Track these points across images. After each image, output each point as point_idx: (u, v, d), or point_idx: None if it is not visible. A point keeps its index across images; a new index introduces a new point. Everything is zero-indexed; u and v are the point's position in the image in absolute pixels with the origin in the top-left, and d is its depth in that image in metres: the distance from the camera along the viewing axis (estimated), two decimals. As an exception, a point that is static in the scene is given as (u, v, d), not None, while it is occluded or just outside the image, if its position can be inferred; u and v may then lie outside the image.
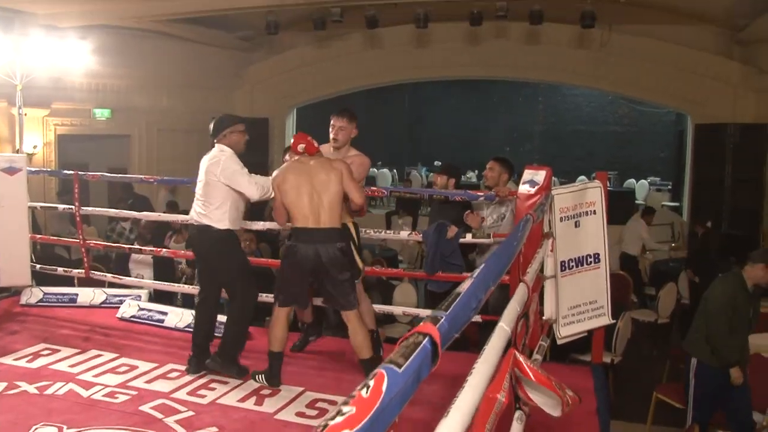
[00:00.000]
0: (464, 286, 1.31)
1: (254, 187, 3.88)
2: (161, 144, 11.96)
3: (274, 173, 3.89)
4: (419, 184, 15.47)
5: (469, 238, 4.51)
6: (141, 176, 5.16)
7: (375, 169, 16.57)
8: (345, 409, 0.78)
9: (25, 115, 7.95)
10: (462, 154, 17.09)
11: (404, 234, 5.69)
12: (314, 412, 3.49)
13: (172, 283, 5.33)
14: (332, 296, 3.79)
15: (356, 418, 0.77)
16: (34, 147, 9.78)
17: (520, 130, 17.75)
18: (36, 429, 3.25)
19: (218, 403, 3.59)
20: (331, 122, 4.15)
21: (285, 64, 13.31)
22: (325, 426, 0.73)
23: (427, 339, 0.99)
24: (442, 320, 1.06)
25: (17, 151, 7.81)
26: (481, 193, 4.57)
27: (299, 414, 3.48)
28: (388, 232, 5.43)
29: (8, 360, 4.19)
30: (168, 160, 11.40)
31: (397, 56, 12.73)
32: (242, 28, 12.12)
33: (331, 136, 4.20)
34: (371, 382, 0.84)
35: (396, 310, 4.58)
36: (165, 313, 4.86)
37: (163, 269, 5.72)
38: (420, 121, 18.29)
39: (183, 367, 4.04)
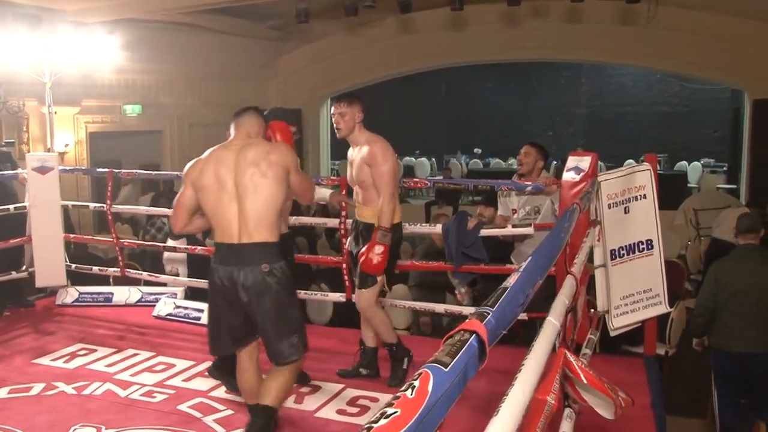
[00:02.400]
0: (511, 281, 1.28)
1: None
2: (193, 139, 12.09)
3: (191, 162, 3.19)
4: (459, 172, 15.38)
5: (493, 230, 4.47)
6: (176, 173, 5.19)
7: (413, 159, 16.53)
8: (389, 411, 0.76)
9: (56, 113, 8.11)
10: (501, 140, 16.94)
11: (438, 227, 5.61)
12: (355, 410, 3.49)
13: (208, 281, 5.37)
14: (265, 339, 3.01)
15: (401, 420, 0.74)
16: (66, 145, 9.98)
17: (562, 114, 17.50)
18: (75, 430, 3.32)
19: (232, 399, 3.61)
20: (331, 111, 3.87)
21: (317, 53, 13.33)
22: (369, 429, 0.70)
23: (473, 337, 0.96)
24: (489, 317, 1.03)
25: (48, 150, 7.97)
26: (529, 183, 4.46)
27: (340, 411, 3.49)
28: (424, 224, 5.37)
29: (45, 360, 4.29)
30: (200, 155, 11.53)
31: (432, 41, 12.63)
32: (273, 18, 12.15)
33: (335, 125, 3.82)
34: (416, 383, 0.81)
35: (437, 308, 4.53)
36: (201, 311, 4.91)
37: (198, 266, 5.77)
38: (457, 107, 18.16)
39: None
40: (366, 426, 0.73)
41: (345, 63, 13.23)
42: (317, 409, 3.53)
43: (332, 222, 5.33)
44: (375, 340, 3.96)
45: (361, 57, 13.15)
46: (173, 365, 4.17)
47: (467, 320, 1.03)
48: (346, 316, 4.81)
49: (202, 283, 5.31)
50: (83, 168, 8.80)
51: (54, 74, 7.10)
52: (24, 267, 5.45)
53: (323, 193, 4.43)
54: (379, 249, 3.52)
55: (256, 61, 12.89)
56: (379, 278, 3.66)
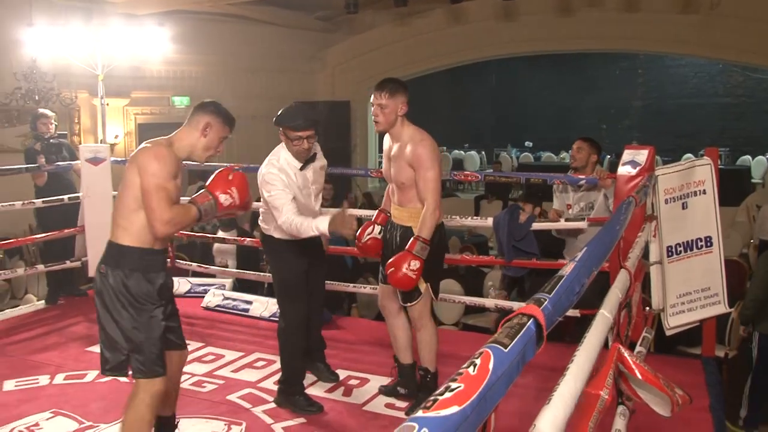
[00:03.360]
0: (566, 270, 1.31)
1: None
2: (240, 130, 12.19)
3: None
4: (509, 166, 15.30)
5: (545, 224, 4.46)
6: (224, 164, 5.33)
7: (462, 152, 16.51)
8: (453, 385, 0.81)
9: (107, 105, 8.36)
10: (553, 133, 16.79)
11: (489, 220, 5.61)
12: (404, 404, 3.54)
13: (257, 272, 5.50)
14: None
15: (465, 394, 0.79)
16: (116, 137, 10.28)
17: (617, 106, 17.24)
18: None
19: (305, 394, 3.70)
20: (371, 100, 3.36)
21: (365, 44, 13.42)
22: (435, 401, 0.75)
23: (531, 321, 1.00)
24: (546, 303, 1.07)
25: (100, 141, 8.22)
26: (583, 177, 4.45)
27: (388, 405, 3.55)
28: (475, 218, 5.39)
29: (97, 348, 4.44)
30: (247, 147, 11.73)
31: (482, 31, 12.60)
32: (320, 8, 12.30)
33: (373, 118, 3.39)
34: (478, 361, 0.86)
35: (488, 303, 4.55)
36: (250, 303, 5.04)
37: (247, 258, 5.91)
38: (508, 100, 18.06)
39: (269, 357, 4.19)
40: (432, 398, 0.78)
41: (393, 54, 13.29)
42: (365, 402, 3.60)
43: (366, 213, 5.38)
44: (411, 355, 3.61)
45: (410, 48, 13.19)
46: (222, 356, 4.29)
47: (525, 305, 1.07)
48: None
49: (250, 275, 5.46)
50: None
51: (106, 66, 7.33)
52: (77, 256, 5.66)
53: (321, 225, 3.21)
54: (414, 264, 3.13)
55: (303, 53, 13.05)
56: (423, 287, 3.31)
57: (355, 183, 12.50)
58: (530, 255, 4.33)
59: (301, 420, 3.40)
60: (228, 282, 5.58)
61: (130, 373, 2.76)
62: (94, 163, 5.52)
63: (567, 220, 4.59)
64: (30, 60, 8.40)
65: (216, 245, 5.86)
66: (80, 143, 8.27)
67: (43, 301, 5.61)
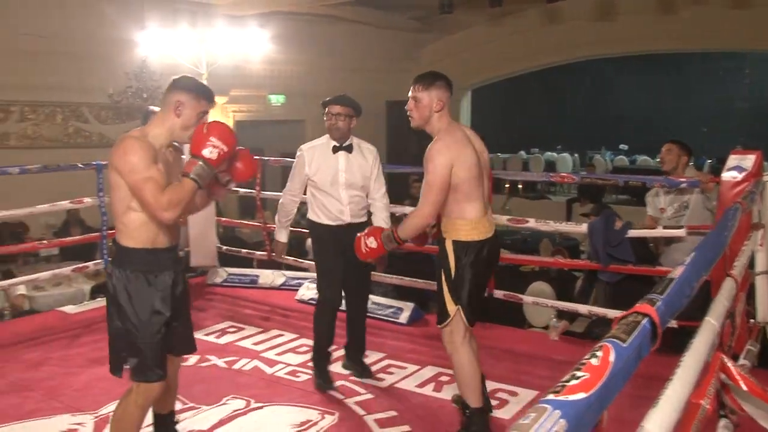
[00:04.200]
0: (677, 272, 1.32)
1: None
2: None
3: None
4: (603, 169, 14.94)
5: (642, 231, 4.37)
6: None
7: (554, 154, 16.25)
8: (578, 373, 0.84)
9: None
10: (650, 135, 16.24)
11: (583, 226, 5.51)
12: (494, 402, 3.55)
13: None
14: None
15: (590, 382, 0.83)
16: (216, 133, 10.67)
17: (721, 108, 16.53)
18: (227, 400, 3.62)
19: (397, 387, 3.78)
20: (410, 93, 3.06)
21: (459, 44, 13.42)
22: (563, 387, 0.79)
23: (646, 319, 1.02)
24: (659, 303, 1.09)
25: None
26: (684, 179, 4.35)
27: (479, 404, 3.57)
28: (569, 223, 5.33)
29: (199, 335, 4.66)
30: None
31: (578, 31, 12.37)
32: (414, 9, 12.38)
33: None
34: (599, 353, 0.89)
35: (581, 309, 4.49)
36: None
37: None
38: (603, 101, 17.63)
39: (360, 351, 4.28)
40: (560, 383, 0.82)
41: (487, 54, 13.24)
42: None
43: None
44: (479, 398, 3.15)
45: (504, 48, 13.11)
46: (335, 348, 4.41)
47: (638, 304, 1.09)
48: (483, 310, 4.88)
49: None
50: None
51: (209, 66, 7.65)
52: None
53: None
54: (372, 243, 3.06)
55: (396, 53, 13.17)
56: (452, 309, 2.99)
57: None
58: (626, 262, 4.27)
59: (393, 413, 3.47)
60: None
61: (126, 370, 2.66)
62: (198, 157, 5.78)
63: (663, 226, 4.50)
64: (140, 60, 8.86)
65: (309, 240, 6.01)
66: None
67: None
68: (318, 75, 12.02)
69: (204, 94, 2.64)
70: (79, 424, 3.35)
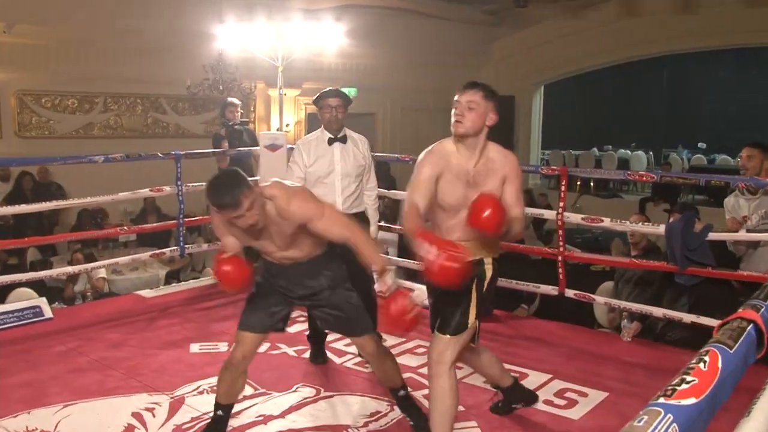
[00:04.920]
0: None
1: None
2: (404, 123, 12.59)
3: None
4: (679, 167, 14.49)
5: (724, 234, 4.21)
6: (397, 155, 5.51)
7: (628, 152, 15.85)
8: (688, 378, 0.82)
9: (285, 95, 8.84)
10: (731, 134, 15.67)
11: (661, 227, 5.35)
12: (562, 402, 3.51)
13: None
14: None
15: (700, 388, 0.80)
16: (287, 125, 10.84)
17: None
18: (297, 388, 3.68)
19: (465, 383, 3.75)
20: (459, 97, 2.77)
21: (532, 38, 13.21)
22: (674, 391, 0.77)
23: (751, 325, 0.99)
24: (763, 309, 1.05)
25: (278, 129, 8.71)
26: (769, 181, 4.14)
27: (547, 402, 3.52)
28: (646, 223, 5.16)
29: (269, 323, 4.77)
30: (411, 139, 11.97)
31: (658, 25, 12.00)
32: (488, 2, 12.26)
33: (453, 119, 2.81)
34: (706, 358, 0.87)
35: (655, 311, 4.36)
36: (411, 290, 5.13)
37: (408, 247, 6.05)
38: (681, 97, 17.07)
39: (427, 344, 4.27)
40: (670, 387, 0.80)
41: (561, 49, 13.00)
42: (524, 397, 3.59)
43: (532, 211, 5.34)
44: (508, 377, 3.28)
45: (579, 43, 12.84)
46: (384, 340, 4.42)
47: (741, 309, 1.05)
48: (552, 309, 4.82)
49: (412, 264, 5.58)
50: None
51: (285, 59, 7.77)
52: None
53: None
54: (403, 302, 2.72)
55: (468, 47, 13.08)
56: (472, 322, 2.78)
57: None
58: (704, 266, 4.12)
59: (460, 408, 3.44)
60: (391, 270, 5.73)
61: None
62: (272, 149, 5.87)
63: (747, 230, 4.32)
64: (217, 53, 9.07)
65: (379, 233, 6.03)
66: (254, 131, 8.82)
67: (220, 276, 6.05)
68: (389, 69, 12.05)
69: (211, 202, 2.64)
70: (155, 403, 3.46)
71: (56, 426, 3.19)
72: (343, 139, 3.94)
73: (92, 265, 5.68)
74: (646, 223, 4.86)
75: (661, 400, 0.75)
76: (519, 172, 2.84)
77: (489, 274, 2.83)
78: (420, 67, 12.48)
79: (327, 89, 4.02)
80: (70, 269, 5.60)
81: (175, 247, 5.68)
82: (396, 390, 3.16)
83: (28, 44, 9.10)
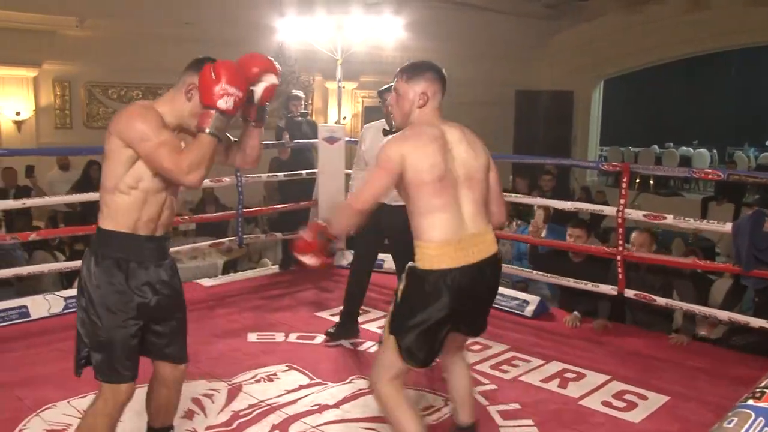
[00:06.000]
0: None
1: None
2: (460, 116, 12.37)
3: None
4: (745, 166, 14.04)
5: None
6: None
7: (690, 149, 15.43)
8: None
9: (343, 88, 8.88)
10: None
11: (727, 225, 5.20)
12: (622, 404, 3.44)
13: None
14: None
15: None
16: (344, 118, 10.89)
17: None
18: (352, 379, 3.71)
19: (521, 380, 3.74)
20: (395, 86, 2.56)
21: (592, 32, 12.97)
22: (762, 393, 0.76)
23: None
24: None
25: (337, 122, 8.77)
26: None
27: (605, 403, 3.47)
28: (709, 221, 5.03)
29: (325, 315, 4.82)
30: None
31: (726, 18, 11.62)
32: (549, -4, 12.08)
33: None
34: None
35: (720, 314, 4.23)
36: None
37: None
38: (749, 93, 16.50)
39: (485, 341, 4.26)
40: (758, 389, 0.78)
41: (622, 43, 12.72)
42: (581, 397, 3.54)
43: (592, 208, 5.25)
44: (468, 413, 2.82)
45: (641, 37, 12.53)
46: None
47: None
48: (614, 310, 4.72)
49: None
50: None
51: (344, 52, 7.81)
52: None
53: None
54: (307, 236, 2.43)
55: (526, 41, 12.91)
56: (386, 336, 2.47)
57: (573, 175, 12.19)
58: (774, 267, 3.99)
59: (516, 405, 3.43)
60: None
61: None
62: (331, 142, 5.92)
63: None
64: (276, 46, 9.17)
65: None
66: (315, 123, 8.89)
67: (277, 266, 6.15)
68: (446, 62, 11.76)
69: None
70: (214, 390, 3.53)
71: (120, 408, 3.29)
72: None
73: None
74: (711, 221, 4.72)
75: (750, 402, 0.73)
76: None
77: (401, 284, 2.45)
78: (476, 61, 12.37)
79: (389, 84, 4.03)
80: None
81: (234, 237, 5.79)
82: None
83: (97, 37, 9.38)
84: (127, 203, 2.27)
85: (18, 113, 9.29)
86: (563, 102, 12.78)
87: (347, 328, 4.32)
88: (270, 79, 2.37)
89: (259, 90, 2.38)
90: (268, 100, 2.41)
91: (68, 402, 3.33)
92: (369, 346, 4.25)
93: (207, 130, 2.19)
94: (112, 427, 2.40)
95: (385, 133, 4.06)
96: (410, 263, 2.44)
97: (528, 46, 13.06)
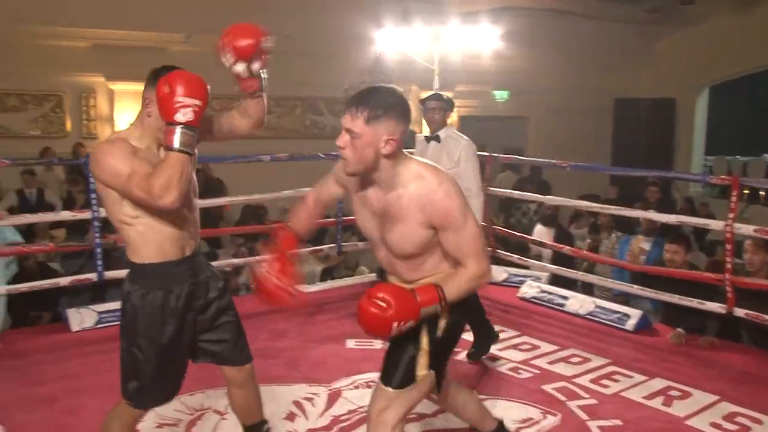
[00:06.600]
0: None
1: None
2: (557, 126, 12.32)
3: None
4: None
5: None
6: (554, 160, 5.43)
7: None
8: None
9: (441, 97, 8.92)
10: None
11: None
12: (734, 427, 3.31)
13: (572, 270, 5.52)
14: None
15: None
16: (439, 127, 10.92)
17: None
18: (450, 389, 3.72)
19: (622, 396, 3.65)
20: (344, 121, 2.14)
21: (698, 37, 12.48)
22: None
23: None
24: None
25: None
26: None
27: (715, 425, 3.33)
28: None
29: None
30: (563, 143, 11.70)
31: None
32: (651, 0, 11.72)
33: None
34: None
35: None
36: (566, 298, 5.07)
37: (562, 255, 5.94)
38: None
39: (585, 354, 4.20)
40: None
41: (730, 48, 12.16)
42: (687, 416, 3.42)
43: (697, 222, 5.05)
44: (487, 419, 2.85)
45: (752, 41, 11.94)
46: (538, 347, 4.39)
47: None
48: (724, 327, 4.51)
49: (566, 272, 5.48)
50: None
51: (440, 62, 7.86)
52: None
53: None
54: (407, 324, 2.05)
55: (627, 48, 12.55)
56: (422, 374, 2.25)
57: (675, 186, 11.77)
58: None
59: (617, 422, 3.35)
60: (544, 275, 5.67)
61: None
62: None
63: None
64: (374, 56, 9.32)
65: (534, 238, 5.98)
66: (413, 132, 8.96)
67: (374, 274, 6.23)
68: (543, 71, 11.83)
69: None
70: (314, 394, 3.63)
71: (227, 407, 3.43)
72: (437, 138, 4.23)
73: (256, 258, 6.03)
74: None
75: None
76: (460, 212, 2.08)
77: (444, 321, 2.25)
78: (574, 69, 12.14)
79: (430, 93, 4.45)
80: (235, 261, 5.99)
81: (333, 245, 5.91)
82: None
83: (203, 53, 9.74)
84: (139, 233, 2.30)
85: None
86: (665, 110, 12.35)
87: (483, 343, 4.21)
88: (265, 46, 2.31)
89: (258, 62, 2.33)
90: (264, 66, 2.36)
91: (178, 398, 3.49)
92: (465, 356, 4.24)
93: (174, 147, 2.08)
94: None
95: (427, 139, 4.27)
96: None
97: (628, 52, 12.69)
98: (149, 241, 2.31)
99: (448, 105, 4.33)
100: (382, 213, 2.17)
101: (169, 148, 2.08)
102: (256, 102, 2.45)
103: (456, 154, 4.18)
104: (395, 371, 2.25)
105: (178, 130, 2.07)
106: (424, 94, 11.08)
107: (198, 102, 2.08)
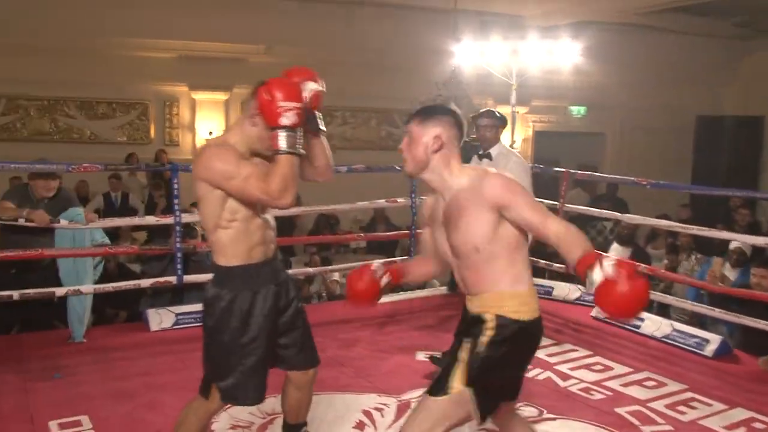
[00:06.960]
0: None
1: None
2: (635, 143, 12.04)
3: None
4: None
5: None
6: (633, 178, 5.32)
7: None
8: None
9: (517, 113, 8.89)
10: None
11: None
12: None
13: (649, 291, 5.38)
14: None
15: None
16: (514, 142, 10.84)
17: None
18: (520, 406, 3.67)
19: (700, 425, 3.53)
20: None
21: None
22: None
23: None
24: None
25: (511, 146, 8.78)
26: None
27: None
28: None
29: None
30: (641, 160, 11.41)
31: None
32: (740, 13, 11.31)
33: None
34: None
35: None
36: (642, 320, 4.95)
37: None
38: None
39: (660, 378, 4.09)
40: None
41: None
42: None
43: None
44: None
45: None
46: (611, 368, 4.30)
47: None
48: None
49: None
50: (540, 165, 9.49)
51: (519, 76, 7.83)
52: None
53: None
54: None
55: (711, 63, 12.15)
56: (456, 388, 2.18)
57: (761, 208, 11.30)
58: None
59: (695, 450, 3.26)
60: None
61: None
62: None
63: None
64: (450, 70, 9.35)
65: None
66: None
67: (445, 287, 6.23)
68: (622, 87, 11.58)
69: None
70: (384, 404, 3.66)
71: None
72: (488, 156, 4.34)
73: (328, 268, 6.14)
74: None
75: None
76: (511, 187, 2.14)
77: (489, 334, 2.17)
78: (654, 85, 11.83)
79: (482, 110, 4.56)
80: (308, 270, 6.10)
81: (406, 257, 5.95)
82: None
83: (283, 64, 9.92)
84: (231, 236, 2.41)
85: (210, 132, 10.12)
86: (752, 128, 11.88)
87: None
88: (311, 87, 2.40)
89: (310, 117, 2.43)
90: (315, 106, 2.44)
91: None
92: (537, 373, 4.19)
93: (282, 150, 2.24)
94: (203, 429, 2.65)
95: (480, 157, 4.36)
96: (498, 313, 2.19)
97: (713, 68, 12.28)
98: (240, 243, 2.42)
99: (501, 122, 4.40)
100: (447, 218, 2.23)
101: (277, 151, 2.25)
102: (312, 144, 2.52)
103: (507, 167, 4.18)
104: (436, 378, 2.27)
105: (283, 133, 2.23)
106: (502, 108, 11.08)
107: (297, 104, 2.24)
